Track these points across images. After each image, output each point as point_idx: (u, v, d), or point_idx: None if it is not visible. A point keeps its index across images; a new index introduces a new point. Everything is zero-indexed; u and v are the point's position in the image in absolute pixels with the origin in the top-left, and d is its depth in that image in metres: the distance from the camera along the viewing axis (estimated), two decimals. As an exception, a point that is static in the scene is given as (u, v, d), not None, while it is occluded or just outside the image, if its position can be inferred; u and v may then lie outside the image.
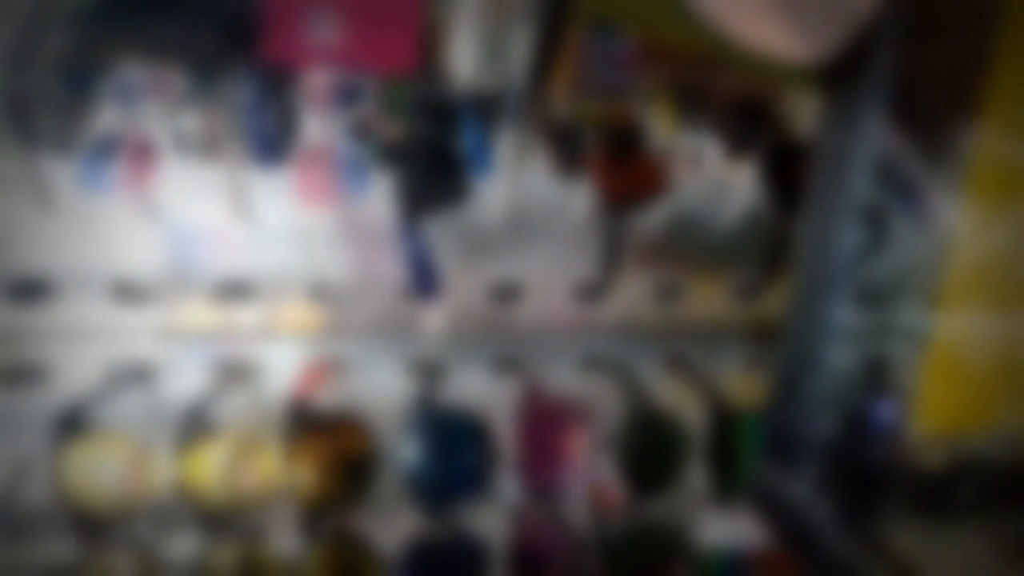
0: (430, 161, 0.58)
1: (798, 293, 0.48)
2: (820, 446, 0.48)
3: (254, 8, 0.51)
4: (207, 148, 0.58)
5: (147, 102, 0.57)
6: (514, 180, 0.62)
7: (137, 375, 0.58)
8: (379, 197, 0.58)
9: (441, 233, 0.61)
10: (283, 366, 0.61)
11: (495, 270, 0.64)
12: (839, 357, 0.49)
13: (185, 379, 0.59)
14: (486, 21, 0.59)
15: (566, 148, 0.63)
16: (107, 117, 0.56)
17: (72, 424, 0.56)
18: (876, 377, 0.53)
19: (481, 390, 0.63)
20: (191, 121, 0.58)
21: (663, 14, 0.36)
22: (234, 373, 0.60)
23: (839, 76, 0.38)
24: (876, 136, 0.38)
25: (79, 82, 0.56)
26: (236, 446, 0.55)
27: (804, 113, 0.65)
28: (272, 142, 0.58)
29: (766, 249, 0.67)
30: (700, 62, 0.64)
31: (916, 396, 0.50)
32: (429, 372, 0.63)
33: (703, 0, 0.34)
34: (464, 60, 0.59)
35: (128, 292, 0.58)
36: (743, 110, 0.66)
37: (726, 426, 0.61)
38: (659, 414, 0.61)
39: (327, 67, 0.54)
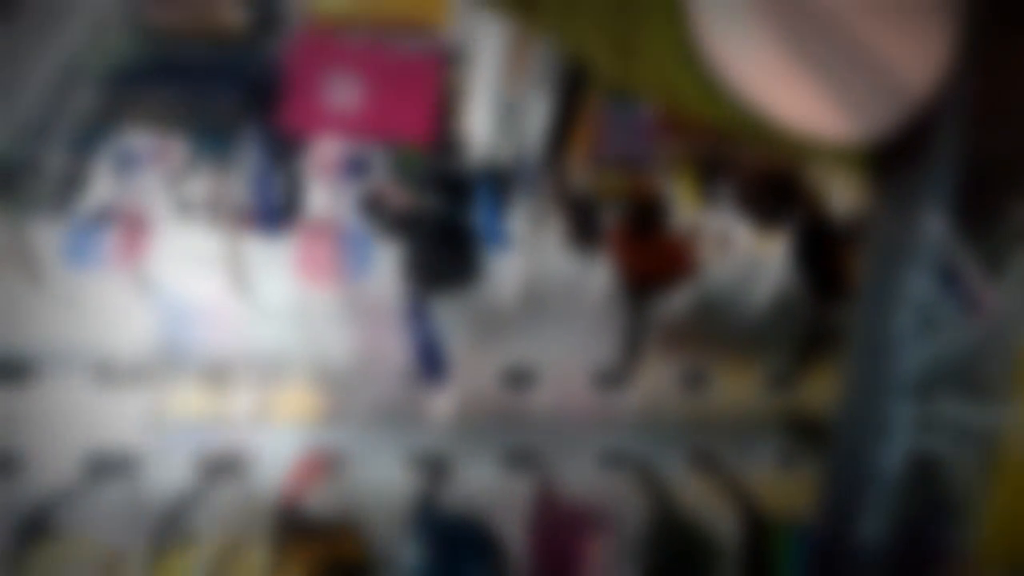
0: (440, 236, 0.55)
1: (851, 393, 0.43)
2: (873, 567, 0.42)
3: (275, 73, 0.51)
4: (211, 215, 0.55)
5: (147, 170, 0.54)
6: (529, 256, 0.59)
7: (117, 467, 0.54)
8: (384, 274, 0.55)
9: (450, 312, 0.57)
10: (277, 457, 0.56)
11: (507, 353, 0.60)
12: (890, 459, 0.44)
13: (170, 471, 0.55)
14: (502, 89, 0.57)
15: (584, 222, 0.60)
16: (101, 186, 0.53)
17: (37, 526, 0.51)
18: (929, 483, 0.48)
19: (490, 487, 0.58)
20: (196, 188, 0.55)
21: (686, 84, 0.32)
22: (223, 465, 0.55)
23: (893, 161, 0.34)
24: (939, 235, 0.34)
25: (81, 148, 0.54)
26: (217, 554, 0.50)
27: (837, 188, 0.62)
28: (278, 212, 0.55)
29: (800, 334, 0.63)
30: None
31: (979, 507, 0.45)
32: (434, 466, 0.58)
33: (732, 69, 0.30)
34: (479, 129, 0.57)
35: (113, 374, 0.54)
36: (772, 184, 0.62)
37: (761, 537, 0.55)
38: (685, 521, 0.55)
39: (344, 134, 0.53)
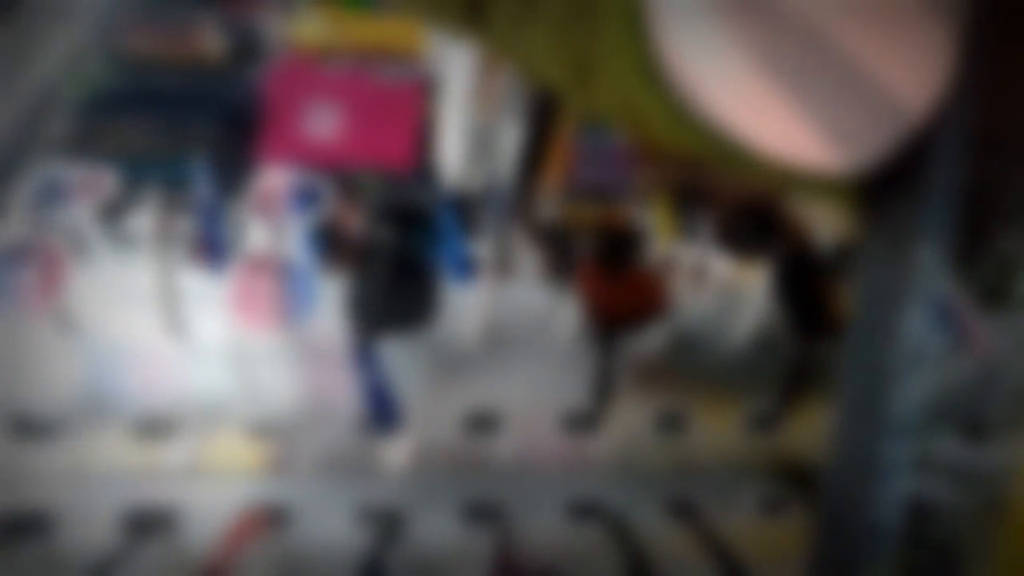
0: (396, 269, 0.51)
1: (842, 434, 0.39)
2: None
3: (253, 102, 0.51)
4: (152, 249, 0.50)
5: (73, 203, 0.50)
6: (494, 290, 0.54)
7: (33, 525, 0.49)
8: (331, 313, 0.50)
9: (405, 352, 0.53)
10: (213, 512, 0.51)
11: (468, 396, 0.55)
12: (887, 505, 0.40)
13: (92, 529, 0.49)
14: (472, 116, 0.56)
15: (555, 255, 0.56)
16: (17, 220, 0.48)
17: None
18: (930, 530, 0.44)
19: (447, 544, 0.53)
20: (137, 220, 0.51)
21: (649, 107, 0.28)
22: (151, 522, 0.50)
23: (884, 191, 0.31)
24: (933, 267, 0.30)
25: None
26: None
27: (821, 216, 0.59)
28: (226, 246, 0.51)
29: (784, 372, 0.59)
30: (701, 161, 0.59)
31: (984, 557, 0.42)
32: (386, 521, 0.53)
33: (699, 89, 0.26)
34: (450, 157, 0.55)
35: (31, 425, 0.49)
36: (752, 213, 0.59)
37: (743, 596, 0.51)
38: (661, 581, 0.51)
39: (323, 163, 0.52)
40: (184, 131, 0.51)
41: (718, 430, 0.59)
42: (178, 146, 0.51)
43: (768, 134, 0.27)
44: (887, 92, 0.26)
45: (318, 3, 0.66)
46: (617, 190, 0.58)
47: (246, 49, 0.57)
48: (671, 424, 0.58)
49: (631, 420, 0.57)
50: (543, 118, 0.57)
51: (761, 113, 0.27)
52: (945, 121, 0.26)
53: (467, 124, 0.56)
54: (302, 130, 0.51)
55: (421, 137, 0.53)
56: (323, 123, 0.51)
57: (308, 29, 0.60)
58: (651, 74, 0.27)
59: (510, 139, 0.57)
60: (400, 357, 0.53)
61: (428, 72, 0.55)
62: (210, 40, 0.58)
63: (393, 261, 0.51)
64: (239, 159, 0.52)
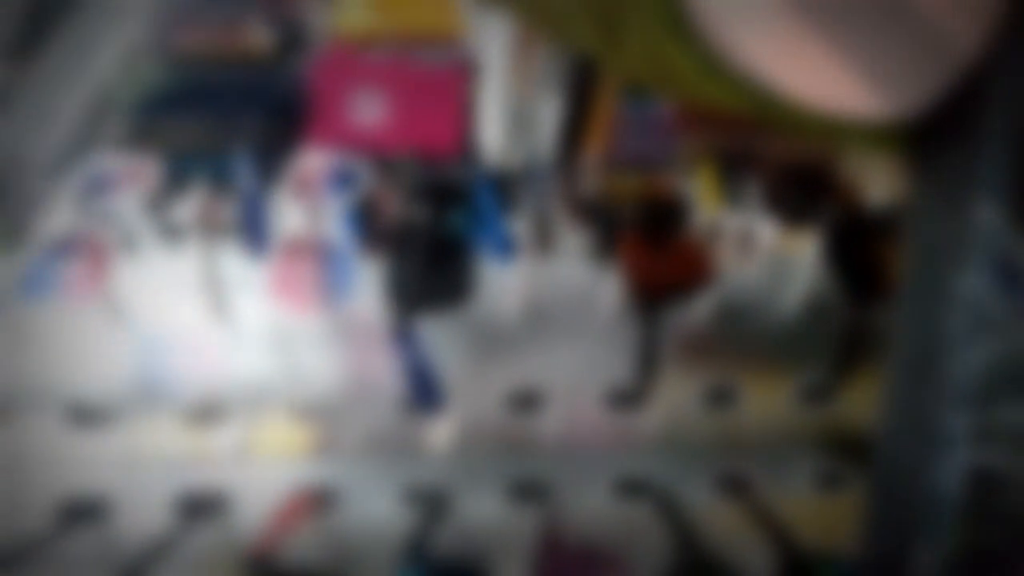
0: (433, 248, 0.50)
1: (899, 405, 0.37)
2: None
3: (301, 92, 0.51)
4: (196, 238, 0.51)
5: (119, 194, 0.51)
6: (534, 267, 0.54)
7: (91, 511, 0.50)
8: (371, 294, 0.50)
9: (447, 332, 0.53)
10: (262, 495, 0.52)
11: (511, 374, 0.55)
12: (948, 476, 0.38)
13: (146, 514, 0.51)
14: (511, 94, 0.55)
15: (599, 228, 0.55)
16: (64, 213, 0.49)
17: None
18: (992, 501, 0.42)
19: (493, 523, 0.53)
20: (181, 210, 0.52)
21: (681, 61, 0.27)
22: (203, 506, 0.51)
23: (936, 139, 0.29)
24: (992, 224, 0.28)
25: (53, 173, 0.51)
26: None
27: (872, 176, 0.56)
28: (268, 232, 0.51)
29: (837, 341, 0.57)
30: (746, 126, 0.57)
31: None
32: (431, 501, 0.53)
33: (732, 37, 0.25)
34: (490, 136, 0.54)
35: (86, 413, 0.50)
36: (799, 178, 0.57)
37: (800, 572, 0.49)
38: (712, 558, 0.50)
39: (371, 148, 0.52)
40: (232, 126, 0.52)
41: (769, 403, 0.57)
42: (225, 141, 0.51)
43: (806, 81, 0.26)
44: (934, 30, 0.24)
45: None
46: (660, 160, 0.56)
47: (292, 41, 0.58)
48: (720, 398, 0.57)
49: (678, 395, 0.56)
50: (582, 91, 0.56)
51: (798, 58, 0.25)
52: (999, 61, 0.24)
53: (506, 102, 0.55)
54: (348, 117, 0.51)
55: (465, 120, 0.53)
56: (369, 110, 0.51)
57: (350, 17, 0.60)
58: (680, 24, 0.26)
59: (549, 115, 0.56)
60: (441, 337, 0.52)
61: (470, 55, 0.54)
62: (257, 34, 0.58)
63: (430, 241, 0.51)
64: (283, 148, 0.52)
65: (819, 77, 0.26)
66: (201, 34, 0.60)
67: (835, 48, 0.25)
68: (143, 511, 0.51)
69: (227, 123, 0.52)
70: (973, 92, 0.26)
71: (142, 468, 0.51)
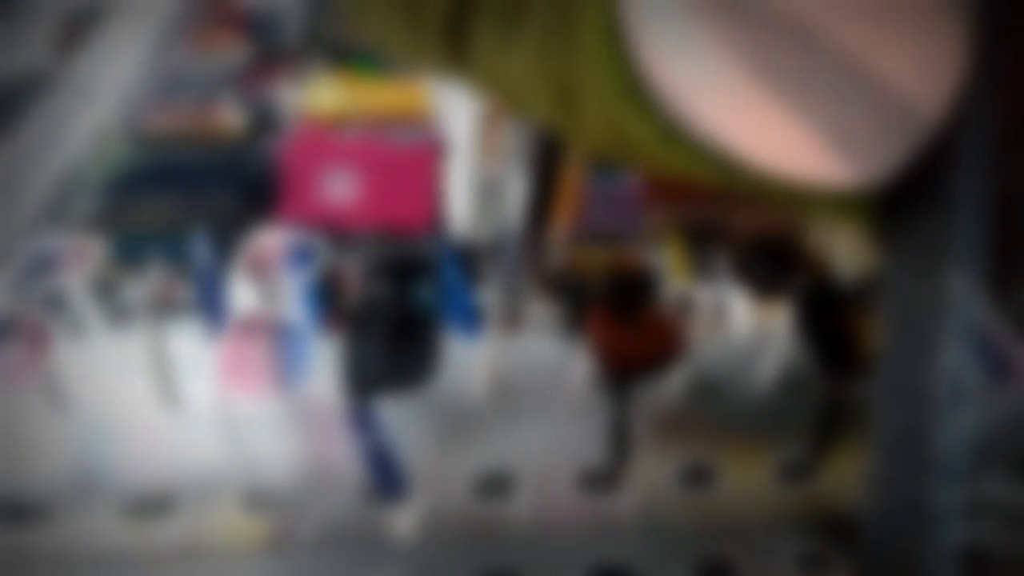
0: (388, 326, 0.48)
1: (884, 480, 0.36)
2: None
3: (272, 172, 0.52)
4: (148, 318, 0.49)
5: (63, 274, 0.49)
6: (502, 343, 0.52)
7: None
8: (328, 375, 0.48)
9: (409, 413, 0.50)
10: (211, 595, 0.48)
11: (478, 457, 0.52)
12: (941, 554, 0.36)
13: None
14: (478, 169, 0.55)
15: (567, 302, 0.54)
16: (2, 295, 0.47)
17: None
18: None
19: (463, 619, 0.49)
20: (132, 290, 0.50)
21: (637, 127, 0.26)
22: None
23: (905, 206, 0.28)
24: (965, 291, 0.27)
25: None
26: None
27: (841, 248, 0.56)
28: (223, 310, 0.49)
29: (815, 414, 0.55)
30: (713, 197, 0.57)
31: None
32: (395, 597, 0.49)
33: (688, 102, 0.24)
34: (458, 209, 0.55)
35: (18, 510, 0.47)
36: (767, 249, 0.56)
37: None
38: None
39: (342, 226, 0.53)
40: (199, 205, 0.52)
41: (748, 482, 0.55)
42: (190, 220, 0.51)
43: (768, 148, 0.25)
44: (898, 93, 0.23)
45: (331, 72, 0.67)
46: (627, 232, 0.56)
47: (264, 122, 0.59)
48: (697, 477, 0.54)
49: (654, 475, 0.54)
50: (549, 165, 0.56)
51: (758, 125, 0.24)
52: (966, 122, 0.24)
53: (473, 176, 0.55)
54: (319, 196, 0.51)
55: (436, 197, 0.54)
56: (339, 188, 0.52)
57: (322, 98, 0.61)
58: (635, 90, 0.25)
59: (517, 188, 0.56)
60: (403, 418, 0.50)
61: (439, 134, 0.55)
62: (229, 116, 0.60)
63: (394, 316, 0.49)
64: (248, 228, 0.51)
65: (781, 144, 0.25)
66: (173, 115, 0.60)
67: (796, 114, 0.24)
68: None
69: (194, 202, 0.52)
70: (941, 156, 0.25)
71: (77, 568, 0.47)
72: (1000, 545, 0.44)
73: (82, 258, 0.49)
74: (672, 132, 0.25)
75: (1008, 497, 0.51)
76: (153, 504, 0.49)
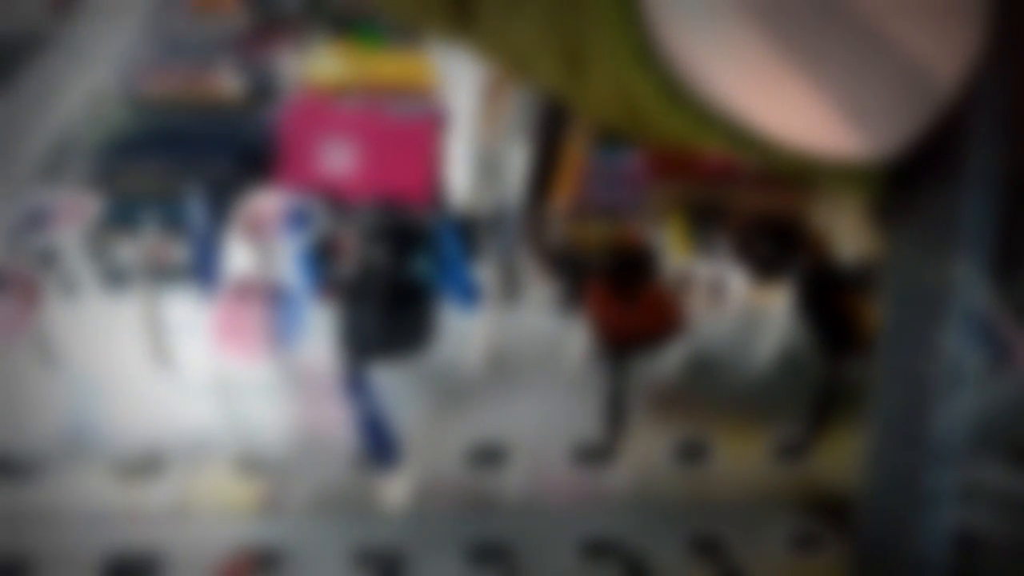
0: (386, 295, 0.48)
1: (879, 462, 0.35)
2: None
3: (269, 140, 0.51)
4: (144, 279, 0.48)
5: (57, 230, 0.48)
6: (499, 315, 0.52)
7: (9, 574, 0.46)
8: (323, 340, 0.47)
9: (405, 382, 0.50)
10: (200, 556, 0.48)
11: (473, 427, 0.52)
12: (934, 538, 0.36)
13: (70, 577, 0.46)
14: (479, 141, 0.55)
15: (566, 277, 0.53)
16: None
17: None
18: (976, 566, 0.40)
19: (452, 588, 0.49)
20: (126, 250, 0.49)
21: (648, 97, 0.25)
22: (134, 568, 0.47)
23: (914, 183, 0.27)
24: (970, 274, 0.26)
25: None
26: None
27: (842, 230, 0.55)
28: (218, 272, 0.49)
29: (811, 394, 0.55)
30: (717, 176, 0.56)
31: None
32: (385, 563, 0.49)
33: (701, 71, 0.23)
34: (457, 182, 0.54)
35: (8, 467, 0.47)
36: (770, 228, 0.56)
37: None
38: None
39: (339, 195, 0.52)
40: (194, 171, 0.51)
41: (742, 459, 0.55)
42: (185, 185, 0.50)
43: (779, 117, 0.24)
44: (913, 64, 0.23)
45: (333, 41, 0.66)
46: (629, 208, 0.56)
47: (262, 89, 0.58)
48: (691, 454, 0.54)
49: (648, 450, 0.54)
50: (551, 139, 0.56)
51: (770, 93, 0.24)
52: (980, 98, 0.23)
53: (474, 148, 0.55)
54: (316, 165, 0.51)
55: (436, 171, 0.53)
56: (338, 159, 0.51)
57: (323, 67, 0.60)
58: (645, 54, 0.24)
59: (518, 162, 0.55)
60: (399, 387, 0.50)
61: (441, 106, 0.54)
62: (227, 82, 0.59)
63: (390, 285, 0.49)
64: (242, 192, 0.51)
65: (792, 113, 0.24)
66: (171, 80, 0.60)
67: (809, 82, 0.23)
68: (69, 573, 0.47)
69: (190, 168, 0.52)
70: (954, 131, 0.25)
71: (67, 525, 0.47)
72: (993, 531, 0.44)
73: (76, 214, 0.49)
74: (681, 98, 0.25)
75: (1002, 483, 0.51)
76: (143, 465, 0.48)
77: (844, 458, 0.55)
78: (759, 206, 0.57)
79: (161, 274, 0.49)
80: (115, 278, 0.49)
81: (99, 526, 0.47)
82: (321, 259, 0.50)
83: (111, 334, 0.48)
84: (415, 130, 0.52)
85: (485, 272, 0.51)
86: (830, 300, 0.54)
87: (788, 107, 0.24)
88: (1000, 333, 0.51)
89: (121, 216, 0.50)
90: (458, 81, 0.58)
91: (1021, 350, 0.50)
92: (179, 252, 0.50)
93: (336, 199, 0.52)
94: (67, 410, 0.48)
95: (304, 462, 0.49)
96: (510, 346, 0.52)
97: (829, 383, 0.54)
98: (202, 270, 0.49)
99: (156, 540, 0.47)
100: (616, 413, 0.53)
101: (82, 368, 0.48)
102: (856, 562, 0.37)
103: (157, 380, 0.48)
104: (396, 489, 0.50)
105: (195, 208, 0.50)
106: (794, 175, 0.26)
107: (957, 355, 0.30)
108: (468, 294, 0.51)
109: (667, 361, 0.53)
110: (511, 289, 0.53)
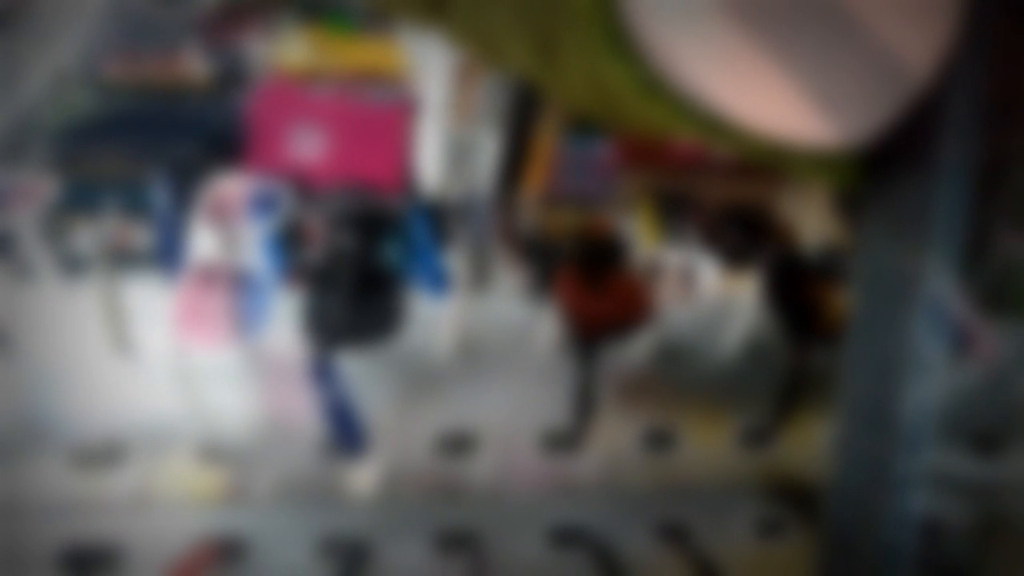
0: (354, 281, 0.47)
1: (846, 449, 0.36)
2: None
3: (237, 125, 0.51)
4: (104, 264, 0.47)
5: (9, 213, 0.47)
6: (469, 303, 0.51)
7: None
8: (288, 327, 0.47)
9: (373, 368, 0.49)
10: (162, 546, 0.47)
11: (441, 415, 0.52)
12: (901, 523, 0.37)
13: (27, 570, 0.45)
14: (450, 128, 0.54)
15: (535, 264, 0.53)
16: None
17: None
18: (939, 551, 0.41)
19: (419, 574, 0.49)
20: (83, 235, 0.48)
21: (619, 83, 0.25)
22: (93, 559, 0.46)
23: (887, 172, 0.27)
24: (939, 268, 0.27)
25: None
26: None
27: (808, 220, 0.56)
28: (181, 256, 0.48)
29: (778, 382, 0.56)
30: (686, 166, 0.57)
31: None
32: (352, 552, 0.49)
33: (673, 57, 0.23)
34: (427, 169, 0.53)
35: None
36: (738, 218, 0.56)
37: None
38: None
39: (308, 183, 0.51)
40: (159, 155, 0.50)
41: (709, 447, 0.55)
42: (148, 169, 0.49)
43: (752, 105, 0.24)
44: (887, 53, 0.23)
45: (302, 27, 0.65)
46: (599, 197, 0.56)
47: (230, 74, 0.57)
48: (659, 441, 0.55)
49: (616, 438, 0.54)
50: (522, 127, 0.55)
51: (743, 81, 0.23)
52: (954, 87, 0.23)
53: (445, 134, 0.54)
54: (285, 152, 0.50)
55: (407, 158, 0.52)
56: (307, 145, 0.50)
57: (292, 53, 0.59)
58: (618, 39, 0.24)
59: (489, 149, 0.55)
60: (366, 374, 0.49)
61: (412, 93, 0.54)
62: (194, 66, 0.58)
63: (356, 272, 0.48)
64: (207, 176, 0.50)
65: (766, 101, 0.24)
66: (136, 63, 0.59)
67: (782, 69, 0.23)
68: (26, 565, 0.45)
69: (154, 152, 0.51)
70: (927, 121, 0.25)
71: (25, 516, 0.46)
72: (954, 516, 0.45)
73: (31, 197, 0.47)
74: (654, 84, 0.24)
75: (963, 470, 0.53)
76: (104, 453, 0.47)
77: (809, 445, 0.56)
78: (727, 196, 0.57)
79: (122, 259, 0.48)
80: (74, 263, 0.48)
81: (58, 517, 0.46)
82: (288, 244, 0.49)
83: (69, 321, 0.46)
84: (385, 117, 0.52)
85: (455, 259, 0.51)
86: (796, 289, 0.54)
87: (761, 95, 0.24)
88: (963, 323, 0.51)
89: (81, 199, 0.49)
90: (429, 68, 0.57)
91: (983, 340, 0.51)
92: (141, 236, 0.49)
93: (304, 185, 0.51)
94: (24, 398, 0.46)
95: (269, 450, 0.49)
96: (479, 334, 0.52)
97: (794, 371, 0.55)
98: (165, 255, 0.48)
99: (117, 531, 0.46)
100: (585, 401, 0.53)
101: (39, 355, 0.46)
102: (824, 547, 0.37)
103: (117, 367, 0.47)
104: (363, 477, 0.49)
105: (159, 191, 0.48)
106: (767, 164, 0.26)
107: (922, 343, 0.31)
108: (437, 281, 0.50)
109: (636, 349, 0.53)
110: (480, 277, 0.52)
